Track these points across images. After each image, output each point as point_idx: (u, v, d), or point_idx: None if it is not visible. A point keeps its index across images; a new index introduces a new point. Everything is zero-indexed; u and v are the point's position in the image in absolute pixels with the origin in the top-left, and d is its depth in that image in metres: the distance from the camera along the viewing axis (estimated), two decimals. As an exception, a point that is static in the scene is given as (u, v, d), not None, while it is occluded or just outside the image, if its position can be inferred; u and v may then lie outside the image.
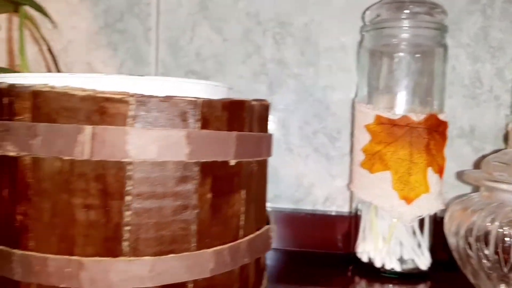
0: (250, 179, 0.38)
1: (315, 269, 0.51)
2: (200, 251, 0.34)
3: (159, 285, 0.33)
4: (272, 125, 0.59)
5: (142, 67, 0.59)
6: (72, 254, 0.33)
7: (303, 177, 0.60)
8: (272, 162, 0.59)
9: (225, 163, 0.36)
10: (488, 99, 0.59)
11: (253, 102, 0.39)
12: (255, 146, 0.38)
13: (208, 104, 0.34)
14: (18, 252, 0.34)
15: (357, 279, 0.49)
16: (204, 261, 0.35)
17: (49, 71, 0.54)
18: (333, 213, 0.59)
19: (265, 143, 0.40)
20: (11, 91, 0.33)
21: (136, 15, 0.59)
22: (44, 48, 0.50)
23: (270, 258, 0.54)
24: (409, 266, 0.49)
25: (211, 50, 0.59)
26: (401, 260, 0.49)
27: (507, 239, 0.37)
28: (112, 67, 0.59)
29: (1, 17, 0.56)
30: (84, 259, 0.32)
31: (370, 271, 0.50)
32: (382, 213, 0.49)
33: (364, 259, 0.51)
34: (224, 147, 0.35)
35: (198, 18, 0.59)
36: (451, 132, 0.58)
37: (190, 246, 0.34)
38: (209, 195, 0.35)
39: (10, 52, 0.56)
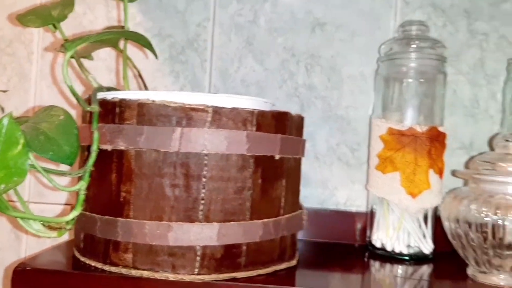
0: (289, 171, 0.50)
1: (338, 255, 0.62)
2: (252, 221, 0.46)
3: (223, 244, 0.45)
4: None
5: (198, 90, 0.72)
6: (161, 220, 0.45)
7: (327, 181, 0.71)
8: (303, 168, 0.71)
9: (272, 157, 0.47)
10: (484, 117, 0.69)
11: (293, 114, 0.51)
12: (293, 147, 0.50)
13: (261, 114, 0.46)
14: (121, 219, 0.46)
15: (371, 262, 0.60)
16: (255, 229, 0.46)
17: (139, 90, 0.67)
18: (353, 211, 0.70)
19: (300, 145, 0.52)
20: (122, 103, 0.46)
21: (195, 49, 0.72)
22: (136, 72, 0.63)
23: (301, 248, 0.64)
24: (415, 250, 0.60)
25: (254, 77, 0.72)
26: (409, 247, 0.60)
27: (487, 219, 0.47)
28: (175, 90, 0.72)
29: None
30: (171, 223, 0.44)
31: (382, 255, 0.60)
32: (393, 207, 0.60)
33: (378, 245, 0.61)
34: (272, 145, 0.47)
35: (244, 51, 0.72)
36: (453, 145, 0.69)
37: (246, 217, 0.46)
38: (259, 181, 0.47)
39: (117, 74, 0.71)
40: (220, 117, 0.44)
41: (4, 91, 0.63)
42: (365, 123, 0.70)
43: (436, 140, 0.58)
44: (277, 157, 0.48)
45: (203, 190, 0.44)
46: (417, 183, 0.58)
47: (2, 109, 0.44)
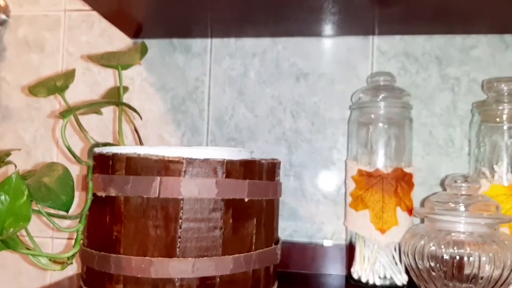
0: (260, 211, 0.57)
1: (324, 285, 0.67)
2: (224, 256, 0.52)
3: (198, 276, 0.51)
4: (291, 178, 0.77)
5: (197, 136, 0.80)
6: (145, 256, 0.52)
7: (315, 217, 0.76)
8: (292, 204, 0.77)
9: (242, 200, 0.54)
10: (458, 156, 0.74)
11: (263, 161, 0.58)
12: (263, 190, 0.57)
13: (230, 163, 0.53)
14: (113, 255, 0.53)
15: (350, 292, 0.65)
16: (226, 263, 0.52)
17: (136, 141, 0.76)
18: (337, 244, 0.75)
19: (272, 188, 0.59)
20: (114, 156, 0.54)
21: (194, 100, 0.81)
22: (132, 127, 0.71)
23: (286, 280, 0.70)
24: (390, 282, 0.64)
25: (246, 123, 0.79)
26: (385, 278, 0.64)
27: (444, 254, 0.52)
28: (176, 137, 0.80)
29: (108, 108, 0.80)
30: (153, 259, 0.51)
31: (361, 286, 0.65)
32: (367, 242, 0.65)
33: (356, 277, 0.66)
34: (240, 189, 0.54)
35: (236, 101, 0.80)
36: (431, 181, 0.74)
37: (218, 253, 0.52)
38: (230, 220, 0.53)
39: (115, 132, 0.80)
40: (193, 167, 0.52)
41: (18, 150, 0.74)
42: (347, 163, 0.76)
43: (402, 180, 0.63)
44: (246, 199, 0.54)
45: (180, 230, 0.51)
46: (386, 219, 0.63)
47: (15, 166, 0.52)
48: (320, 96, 0.78)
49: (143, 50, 0.58)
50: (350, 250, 0.68)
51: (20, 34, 0.86)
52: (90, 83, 0.83)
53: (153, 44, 0.82)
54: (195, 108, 0.81)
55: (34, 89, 0.55)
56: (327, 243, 0.75)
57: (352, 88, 0.77)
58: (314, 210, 0.76)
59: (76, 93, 0.82)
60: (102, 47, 0.84)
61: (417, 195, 0.70)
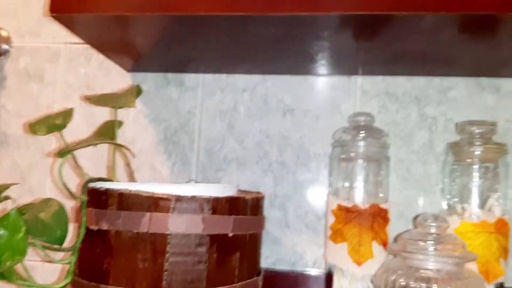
0: (243, 245, 0.60)
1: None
2: (208, 288, 0.56)
3: (183, 308, 0.54)
4: (275, 208, 0.80)
5: (187, 166, 0.84)
6: (133, 287, 0.55)
7: (297, 246, 0.80)
8: (276, 234, 0.80)
9: (226, 235, 0.57)
10: (434, 191, 0.77)
11: (247, 197, 0.61)
12: (247, 225, 0.60)
13: (216, 200, 0.57)
14: (103, 286, 0.56)
15: (328, 321, 0.68)
16: (211, 295, 0.56)
17: (130, 175, 0.78)
18: (317, 273, 0.78)
19: (255, 223, 0.62)
20: (106, 192, 0.57)
21: (185, 131, 0.84)
22: (125, 162, 0.75)
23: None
24: (366, 312, 0.67)
25: (234, 155, 0.83)
26: (361, 308, 0.67)
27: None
28: (167, 167, 0.84)
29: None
30: (141, 290, 0.54)
31: (338, 315, 0.68)
32: (345, 273, 0.68)
33: (334, 306, 0.69)
34: (225, 225, 0.57)
35: (226, 133, 0.83)
36: (408, 215, 0.77)
37: (202, 285, 0.55)
38: (215, 254, 0.56)
39: (109, 160, 0.83)
40: (181, 204, 0.55)
41: (16, 184, 0.77)
42: (329, 195, 0.79)
43: (378, 215, 0.67)
44: (230, 234, 0.58)
45: (167, 264, 0.55)
46: (362, 253, 0.66)
47: (14, 201, 0.56)
48: (305, 131, 0.81)
49: (138, 93, 0.61)
50: (328, 280, 0.72)
51: (21, 64, 0.90)
52: (87, 114, 0.87)
53: (148, 78, 0.86)
54: (186, 139, 0.84)
55: (34, 127, 0.58)
56: (309, 271, 0.78)
57: (335, 124, 0.80)
58: (297, 239, 0.80)
59: (73, 124, 0.85)
60: (99, 79, 0.87)
61: (395, 227, 0.73)
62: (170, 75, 0.86)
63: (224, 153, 0.83)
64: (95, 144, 0.58)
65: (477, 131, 0.68)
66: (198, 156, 0.84)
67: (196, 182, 0.80)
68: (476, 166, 0.67)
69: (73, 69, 0.88)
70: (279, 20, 0.58)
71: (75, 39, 0.88)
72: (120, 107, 0.59)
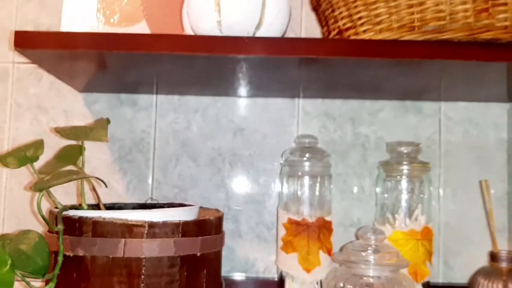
0: (209, 262, 0.65)
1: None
2: (180, 304, 0.61)
3: (158, 324, 0.59)
4: (229, 221, 0.87)
5: (143, 184, 0.87)
6: (111, 308, 0.59)
7: (249, 254, 0.87)
8: (230, 244, 0.86)
9: (195, 254, 0.63)
10: (368, 201, 0.88)
11: (212, 218, 0.67)
12: (212, 243, 0.66)
13: (186, 223, 0.62)
14: (80, 308, 0.59)
15: (281, 322, 0.76)
16: (183, 310, 0.61)
17: (96, 199, 0.80)
18: (269, 279, 0.85)
19: (218, 241, 0.68)
20: (80, 220, 0.60)
21: (140, 150, 0.88)
22: (91, 186, 0.77)
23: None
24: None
25: (188, 172, 0.88)
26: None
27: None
28: (123, 185, 0.87)
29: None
30: (118, 311, 0.58)
31: (289, 317, 0.76)
32: (295, 279, 0.76)
33: (286, 309, 0.77)
34: (194, 246, 0.62)
35: (180, 152, 0.88)
36: (345, 222, 0.87)
37: (175, 302, 0.61)
38: (185, 273, 0.62)
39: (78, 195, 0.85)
40: (154, 229, 0.60)
41: None
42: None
43: (323, 227, 0.76)
44: (198, 254, 0.63)
45: (142, 284, 0.59)
46: (311, 261, 0.74)
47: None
48: (254, 149, 0.88)
49: (108, 125, 0.64)
50: (280, 285, 0.79)
51: (-34, 83, 0.88)
52: (38, 133, 0.87)
53: (101, 98, 0.88)
54: (141, 157, 0.88)
55: (5, 160, 0.59)
56: (261, 277, 0.86)
57: (281, 142, 0.88)
58: (249, 249, 0.87)
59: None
60: (50, 99, 0.88)
61: (336, 234, 0.82)
62: (123, 96, 0.89)
63: (178, 170, 0.88)
64: (73, 180, 0.60)
65: (405, 151, 0.79)
66: (153, 174, 0.88)
67: (153, 200, 0.84)
68: (404, 182, 0.78)
69: (23, 89, 0.88)
70: (215, 59, 0.63)
71: (24, 59, 0.88)
72: (91, 141, 0.62)
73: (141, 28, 0.82)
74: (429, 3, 0.62)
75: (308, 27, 0.89)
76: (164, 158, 0.88)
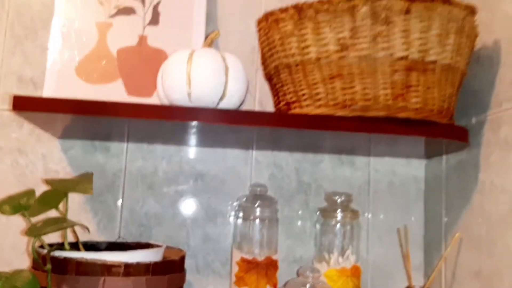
0: (173, 296, 0.77)
1: None
2: (149, 333, 0.72)
3: None
4: (188, 257, 0.98)
5: (112, 223, 0.97)
6: (89, 336, 0.69)
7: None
8: (188, 278, 0.97)
9: (162, 290, 0.74)
10: (309, 241, 1.02)
11: (177, 258, 0.78)
12: (176, 281, 0.77)
13: (155, 263, 0.73)
14: (61, 336, 0.69)
15: None
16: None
17: (75, 238, 0.89)
18: (222, 308, 0.97)
19: (182, 278, 0.80)
20: (65, 260, 0.70)
21: (111, 192, 0.98)
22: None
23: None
24: (259, 338, 0.88)
25: (154, 212, 0.99)
26: (256, 335, 0.88)
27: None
28: (94, 224, 0.97)
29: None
30: (96, 338, 0.69)
31: None
32: (245, 309, 0.89)
33: (236, 335, 0.89)
34: (162, 283, 0.74)
35: (147, 194, 0.99)
36: (289, 259, 1.01)
37: (144, 331, 0.72)
38: (154, 306, 0.73)
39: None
40: (129, 269, 0.71)
41: None
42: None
43: (270, 265, 0.89)
44: (165, 290, 0.75)
45: (118, 316, 0.70)
46: (259, 294, 0.87)
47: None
48: (213, 193, 1.01)
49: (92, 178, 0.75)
50: (232, 314, 0.91)
51: (-50, 127, 0.95)
52: (18, 174, 0.96)
53: (76, 144, 0.98)
54: (111, 199, 0.98)
55: (2, 208, 0.68)
56: (214, 307, 0.97)
57: (236, 187, 1.01)
58: (205, 283, 0.98)
59: (5, 184, 0.94)
60: (30, 144, 0.97)
61: (281, 269, 0.95)
62: (97, 143, 0.99)
63: (145, 211, 0.99)
64: (64, 228, 0.70)
65: (339, 200, 0.94)
66: (122, 214, 0.98)
67: (123, 238, 0.95)
68: (338, 226, 0.93)
69: (5, 134, 0.97)
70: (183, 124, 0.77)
71: (7, 106, 0.97)
72: (78, 192, 0.72)
73: (118, 85, 0.94)
74: (357, 87, 0.78)
75: (261, 88, 1.03)
76: (132, 199, 0.99)
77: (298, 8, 0.76)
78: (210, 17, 1.02)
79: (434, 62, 0.76)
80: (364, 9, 0.73)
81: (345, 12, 0.74)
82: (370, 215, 1.04)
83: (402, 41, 0.74)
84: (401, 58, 0.75)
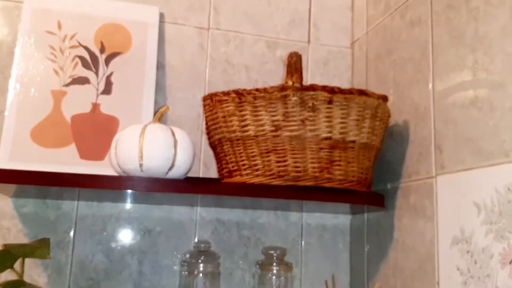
0: None
1: None
2: None
3: None
4: (134, 308, 1.05)
5: (62, 277, 1.02)
6: None
7: (150, 337, 1.05)
8: (134, 329, 1.04)
9: None
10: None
11: (125, 315, 0.85)
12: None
13: (105, 322, 0.80)
14: None
15: None
16: None
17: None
18: None
19: (129, 332, 0.86)
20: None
21: (61, 248, 1.03)
22: None
23: None
24: None
25: (103, 266, 1.05)
26: None
27: None
28: (45, 278, 1.01)
29: None
30: None
31: None
32: None
33: None
34: None
35: (96, 249, 1.05)
36: (230, 307, 1.09)
37: None
38: None
39: None
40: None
41: None
42: (175, 296, 1.07)
43: (212, 316, 0.97)
44: None
45: None
46: None
47: None
48: (159, 247, 1.08)
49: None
50: None
51: None
52: (-31, 232, 0.99)
53: (29, 202, 1.03)
54: (62, 254, 1.03)
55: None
56: None
57: (181, 242, 1.09)
58: (150, 332, 1.05)
59: (-45, 242, 0.98)
60: (-18, 202, 1.01)
61: (221, 319, 1.04)
62: (49, 201, 1.05)
63: (94, 265, 1.04)
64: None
65: (274, 254, 1.04)
66: (71, 268, 1.03)
67: (73, 292, 1.00)
68: (273, 277, 1.03)
69: (-43, 194, 1.00)
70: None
71: (-40, 166, 1.01)
72: (37, 258, 0.78)
73: (71, 150, 1.01)
74: (289, 160, 0.90)
75: (206, 151, 1.13)
76: (81, 255, 1.04)
77: (239, 93, 0.88)
78: (160, 87, 1.11)
79: (353, 141, 0.90)
80: (294, 98, 0.85)
81: (279, 99, 0.86)
82: (303, 265, 1.15)
83: (326, 125, 0.87)
84: (326, 138, 0.88)
